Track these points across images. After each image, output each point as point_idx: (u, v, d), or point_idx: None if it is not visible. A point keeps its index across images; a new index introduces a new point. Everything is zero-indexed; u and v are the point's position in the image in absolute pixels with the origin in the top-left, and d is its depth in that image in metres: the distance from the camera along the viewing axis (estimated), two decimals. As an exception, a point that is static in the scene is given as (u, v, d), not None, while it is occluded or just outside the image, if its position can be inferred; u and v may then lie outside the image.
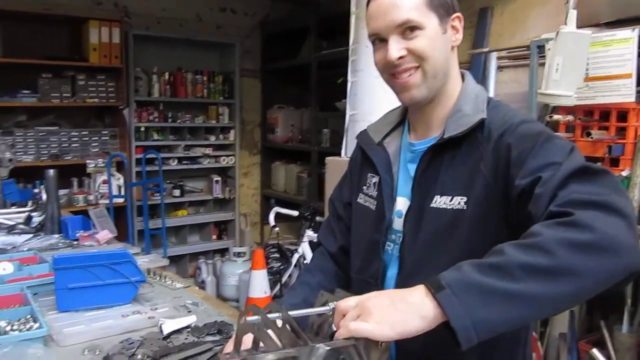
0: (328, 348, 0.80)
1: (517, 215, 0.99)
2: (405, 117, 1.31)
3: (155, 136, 4.99)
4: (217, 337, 1.42)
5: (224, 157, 5.32)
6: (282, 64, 5.39)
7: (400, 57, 1.12)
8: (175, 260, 5.16)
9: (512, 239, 0.88)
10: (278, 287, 3.95)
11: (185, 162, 5.11)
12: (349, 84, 3.25)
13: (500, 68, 3.81)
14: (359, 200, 1.33)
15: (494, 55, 3.76)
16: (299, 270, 3.77)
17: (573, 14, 2.27)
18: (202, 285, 4.92)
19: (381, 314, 0.82)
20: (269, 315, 0.86)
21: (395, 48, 1.12)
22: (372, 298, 0.87)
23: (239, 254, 4.82)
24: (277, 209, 3.97)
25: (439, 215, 1.12)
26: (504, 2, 3.82)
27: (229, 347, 1.06)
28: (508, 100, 2.99)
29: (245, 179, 5.72)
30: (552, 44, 2.28)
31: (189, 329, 1.46)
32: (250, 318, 0.87)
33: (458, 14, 1.17)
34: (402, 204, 1.22)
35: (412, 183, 1.19)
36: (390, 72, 1.15)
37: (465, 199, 1.09)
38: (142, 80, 4.84)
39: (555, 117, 2.65)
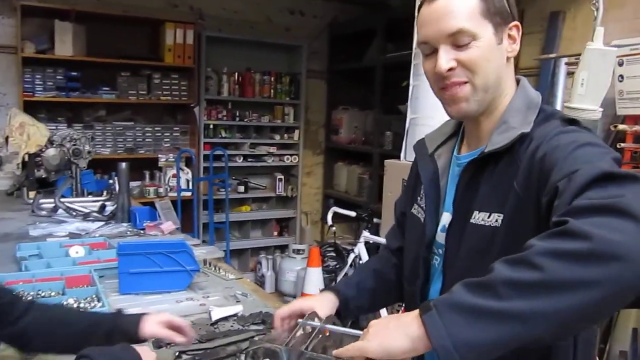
0: None
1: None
2: (459, 129, 1.26)
3: (223, 134, 5.18)
4: (260, 327, 1.50)
5: (287, 156, 5.44)
6: (348, 65, 5.46)
7: (450, 69, 1.06)
8: (237, 254, 5.34)
9: None
10: (333, 284, 4.01)
11: (250, 159, 5.28)
12: (410, 87, 3.26)
13: (570, 74, 3.70)
14: (412, 210, 1.32)
15: (563, 61, 3.65)
16: (354, 270, 3.82)
17: (600, 31, 2.29)
18: (261, 279, 5.07)
19: (376, 331, 0.84)
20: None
21: (445, 59, 1.06)
22: (379, 320, 0.88)
23: (298, 251, 4.93)
24: (335, 208, 4.04)
25: (478, 231, 1.09)
26: (577, 5, 3.69)
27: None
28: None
29: (308, 178, 5.82)
30: (580, 59, 2.32)
31: (236, 317, 1.55)
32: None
33: (516, 22, 1.10)
34: (446, 218, 1.20)
35: (453, 197, 1.17)
36: (438, 84, 1.11)
37: (501, 215, 1.05)
38: (212, 80, 5.04)
39: (621, 127, 2.56)
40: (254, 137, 5.34)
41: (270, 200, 5.59)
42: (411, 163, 1.40)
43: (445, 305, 0.78)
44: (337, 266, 4.15)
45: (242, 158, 5.23)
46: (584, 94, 2.24)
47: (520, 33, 1.10)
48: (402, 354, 0.80)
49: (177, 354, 1.30)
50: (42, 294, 1.63)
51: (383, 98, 4.89)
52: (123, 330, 1.14)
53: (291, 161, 5.47)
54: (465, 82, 1.07)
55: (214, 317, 1.53)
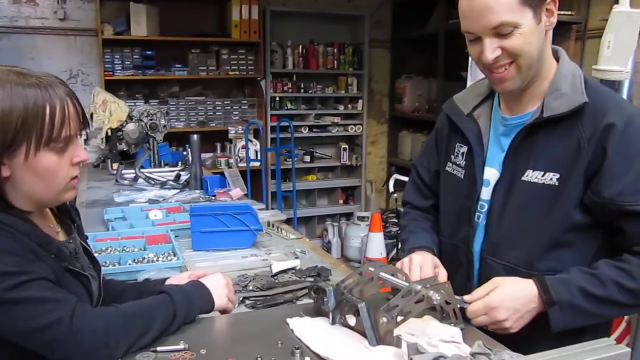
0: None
1: (594, 210, 1.17)
2: (493, 90, 1.33)
3: (289, 105, 5.35)
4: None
5: (352, 126, 5.55)
6: (411, 33, 5.44)
7: (496, 56, 1.15)
8: (304, 221, 5.55)
9: (584, 221, 1.16)
10: (395, 250, 4.14)
11: (315, 130, 5.42)
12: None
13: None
14: (447, 168, 1.40)
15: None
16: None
17: None
18: (328, 245, 5.26)
19: (508, 310, 1.14)
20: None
21: (490, 49, 1.14)
22: (508, 298, 1.15)
23: (362, 218, 5.07)
24: (396, 175, 4.12)
25: (530, 189, 1.20)
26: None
27: None
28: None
29: (373, 147, 5.91)
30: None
31: (294, 270, 1.71)
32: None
33: None
34: (490, 174, 1.29)
35: (503, 155, 1.26)
36: (485, 67, 1.19)
37: (557, 175, 1.17)
38: (277, 54, 5.19)
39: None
40: (319, 108, 5.47)
41: (335, 169, 5.74)
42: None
43: (567, 306, 1.13)
44: (399, 232, 4.25)
45: (307, 129, 5.38)
46: (610, 56, 2.33)
47: (557, 4, 1.17)
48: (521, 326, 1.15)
49: (241, 299, 1.47)
50: (127, 249, 1.86)
51: (446, 65, 4.86)
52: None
53: (355, 131, 5.57)
54: (511, 63, 1.16)
55: (274, 270, 1.70)
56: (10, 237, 0.96)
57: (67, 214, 1.18)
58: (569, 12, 3.83)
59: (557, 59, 1.25)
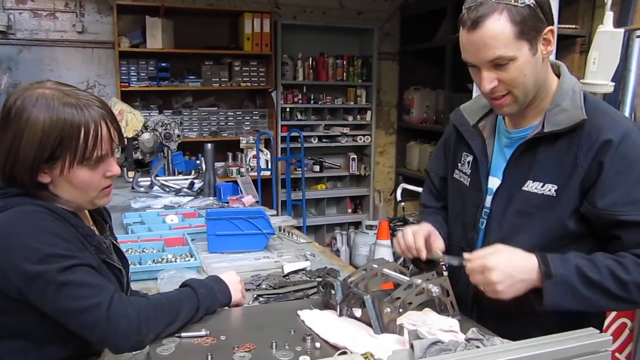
0: None
1: (590, 219, 1.23)
2: None
3: (299, 116, 5.47)
4: (325, 279, 1.75)
5: (360, 136, 5.65)
6: (418, 46, 5.55)
7: (492, 87, 1.22)
8: (313, 229, 5.65)
9: (578, 229, 1.23)
10: (402, 258, 4.21)
11: (325, 140, 5.54)
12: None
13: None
14: (455, 176, 1.49)
15: (636, 33, 3.60)
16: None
17: (609, 15, 2.64)
18: (337, 253, 5.35)
19: (504, 275, 1.17)
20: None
21: (488, 80, 1.21)
22: (504, 261, 1.18)
23: (370, 227, 5.15)
24: (403, 185, 4.22)
25: (529, 198, 1.28)
26: (652, -24, 3.62)
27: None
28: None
29: (381, 157, 6.01)
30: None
31: (304, 271, 1.81)
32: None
33: (550, 27, 1.21)
34: (493, 183, 1.37)
35: (505, 166, 1.34)
36: (484, 93, 1.28)
37: (555, 187, 1.24)
38: (288, 66, 5.32)
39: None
40: (328, 119, 5.58)
41: (344, 179, 5.84)
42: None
43: (561, 282, 1.16)
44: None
45: (317, 139, 5.49)
46: (595, 71, 2.53)
47: (555, 34, 1.23)
48: (514, 294, 1.18)
49: (255, 296, 1.57)
50: (146, 251, 1.97)
51: (453, 77, 4.96)
52: None
53: (364, 141, 5.67)
54: (508, 93, 1.23)
55: (286, 270, 1.80)
56: (63, 225, 1.07)
57: (100, 215, 1.30)
58: (574, 26, 3.92)
59: (559, 74, 1.32)
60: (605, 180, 1.18)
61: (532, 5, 1.17)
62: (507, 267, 1.16)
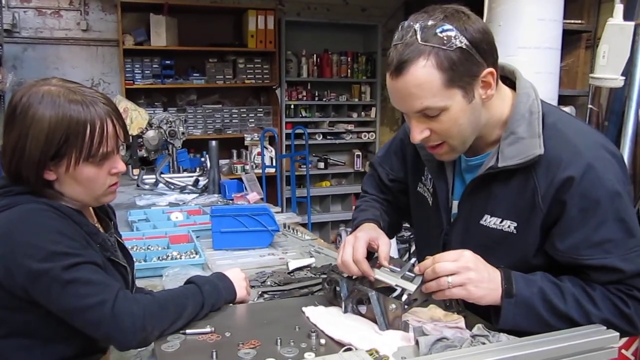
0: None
1: (557, 259, 1.13)
2: None
3: (303, 113, 5.47)
4: (329, 275, 1.74)
5: (365, 133, 5.65)
6: (423, 42, 5.53)
7: (424, 138, 1.09)
8: (318, 226, 5.65)
9: (544, 263, 1.13)
10: (407, 254, 4.21)
11: (329, 137, 5.54)
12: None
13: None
14: (418, 189, 1.37)
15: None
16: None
17: (619, 8, 2.57)
18: (341, 250, 5.34)
19: (478, 278, 1.07)
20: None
21: (418, 130, 1.09)
22: (480, 270, 1.08)
23: (375, 224, 5.14)
24: (408, 181, 4.20)
25: (488, 232, 1.18)
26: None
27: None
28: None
29: (386, 154, 5.99)
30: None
31: (309, 268, 1.81)
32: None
33: (489, 69, 1.06)
34: (457, 207, 1.26)
35: (460, 199, 1.23)
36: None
37: (515, 224, 1.14)
38: (292, 63, 5.32)
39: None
40: (333, 116, 5.58)
41: (349, 175, 5.84)
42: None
43: (522, 304, 1.07)
44: (411, 236, 4.33)
45: (321, 136, 5.49)
46: (605, 65, 2.50)
47: (495, 76, 1.09)
48: (478, 301, 1.08)
49: (259, 292, 1.57)
50: (151, 248, 1.97)
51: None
52: None
53: (368, 138, 5.67)
54: (443, 142, 1.11)
55: (291, 267, 1.79)
56: (67, 223, 1.07)
57: (105, 213, 1.30)
58: (579, 21, 3.90)
59: (514, 81, 1.18)
60: (566, 221, 1.08)
61: (464, 47, 1.02)
62: (481, 269, 1.08)
